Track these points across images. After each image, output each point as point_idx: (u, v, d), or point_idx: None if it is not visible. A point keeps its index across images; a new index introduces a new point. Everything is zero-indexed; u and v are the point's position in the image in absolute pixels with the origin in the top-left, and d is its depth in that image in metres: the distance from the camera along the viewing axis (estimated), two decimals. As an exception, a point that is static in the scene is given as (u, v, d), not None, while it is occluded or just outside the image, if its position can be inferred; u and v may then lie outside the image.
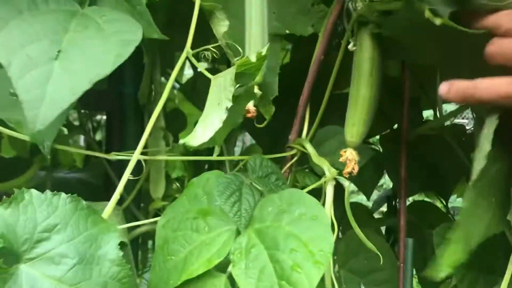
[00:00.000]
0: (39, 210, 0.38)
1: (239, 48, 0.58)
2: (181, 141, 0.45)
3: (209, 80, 0.56)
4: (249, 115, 0.57)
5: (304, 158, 0.67)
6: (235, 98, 0.46)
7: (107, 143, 0.78)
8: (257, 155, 0.53)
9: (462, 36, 0.49)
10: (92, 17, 0.52)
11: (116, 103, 0.75)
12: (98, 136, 1.14)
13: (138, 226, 0.65)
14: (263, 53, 0.46)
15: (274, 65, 0.67)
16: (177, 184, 0.70)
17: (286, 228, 0.46)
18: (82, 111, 0.83)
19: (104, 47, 0.49)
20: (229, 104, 0.44)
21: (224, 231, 0.49)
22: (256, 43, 0.56)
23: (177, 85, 1.24)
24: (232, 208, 0.48)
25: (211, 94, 0.48)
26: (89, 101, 0.71)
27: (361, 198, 1.09)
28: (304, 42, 0.73)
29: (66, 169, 0.98)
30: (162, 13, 0.70)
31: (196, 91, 1.06)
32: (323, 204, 0.56)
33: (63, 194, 0.40)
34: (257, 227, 0.48)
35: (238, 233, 0.48)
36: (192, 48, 0.53)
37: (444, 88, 0.50)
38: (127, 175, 0.52)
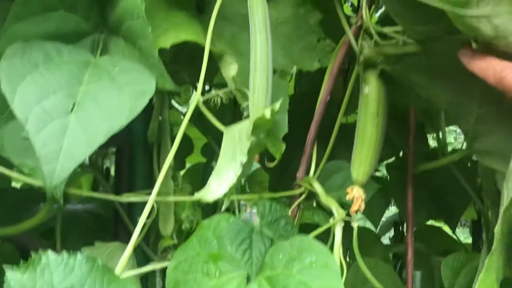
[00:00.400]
0: (56, 273, 0.39)
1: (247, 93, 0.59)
2: (196, 196, 0.46)
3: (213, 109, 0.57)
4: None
5: (312, 193, 0.68)
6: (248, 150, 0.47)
7: (116, 178, 0.79)
8: (266, 200, 0.55)
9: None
10: (105, 67, 0.54)
11: (125, 140, 0.76)
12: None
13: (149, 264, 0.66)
14: (276, 109, 0.47)
15: (283, 103, 0.68)
16: (187, 225, 0.71)
17: (297, 276, 0.47)
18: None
19: (118, 98, 0.51)
20: (245, 159, 0.45)
21: (234, 277, 0.50)
22: (260, 90, 0.57)
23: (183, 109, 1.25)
24: (243, 255, 0.49)
25: (225, 146, 0.49)
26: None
27: (369, 223, 1.10)
28: (308, 74, 0.74)
29: (75, 200, 1.00)
30: (168, 50, 0.72)
31: (201, 117, 1.07)
32: (332, 244, 0.57)
33: (79, 255, 0.41)
34: (268, 274, 0.49)
35: (248, 279, 0.50)
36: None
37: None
38: (143, 220, 0.52)
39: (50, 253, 0.40)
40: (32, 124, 0.48)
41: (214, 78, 0.75)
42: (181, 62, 0.75)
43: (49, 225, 0.87)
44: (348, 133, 0.67)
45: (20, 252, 0.79)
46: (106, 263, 0.49)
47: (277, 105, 0.48)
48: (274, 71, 0.68)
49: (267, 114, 0.47)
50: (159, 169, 0.76)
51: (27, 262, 0.39)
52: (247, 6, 0.65)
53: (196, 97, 0.55)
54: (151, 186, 0.78)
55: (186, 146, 1.23)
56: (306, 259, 0.48)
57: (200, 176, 1.26)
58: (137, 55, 0.55)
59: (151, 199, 0.53)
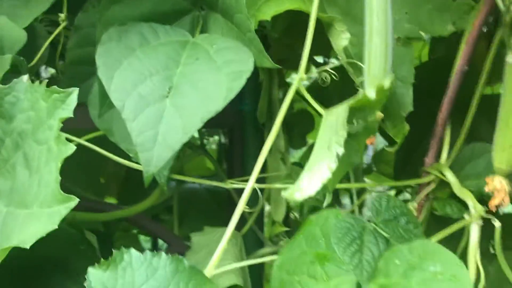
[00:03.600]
0: (138, 272, 0.37)
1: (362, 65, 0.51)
2: (283, 194, 0.40)
3: (338, 79, 0.50)
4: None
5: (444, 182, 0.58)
6: (352, 136, 0.40)
7: (228, 160, 0.77)
8: (383, 194, 0.47)
9: None
10: (203, 46, 0.50)
11: (236, 121, 0.73)
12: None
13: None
14: (385, 86, 0.39)
15: (407, 74, 0.58)
16: (295, 214, 0.66)
17: (417, 288, 0.39)
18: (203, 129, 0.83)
19: (215, 80, 0.47)
20: (341, 151, 0.38)
21: (343, 282, 0.44)
22: (376, 58, 0.48)
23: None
24: (352, 259, 0.42)
25: (322, 133, 0.42)
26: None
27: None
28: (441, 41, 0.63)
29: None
30: (280, 21, 0.66)
31: (324, 90, 1.00)
32: (465, 247, 0.48)
33: (163, 255, 0.38)
34: (381, 283, 0.41)
35: (358, 286, 0.43)
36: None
37: None
38: (242, 206, 0.49)
39: (132, 251, 0.38)
40: (128, 111, 0.46)
41: (331, 51, 0.68)
42: (295, 34, 0.69)
43: (169, 203, 0.88)
44: (492, 108, 0.55)
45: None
46: (214, 249, 0.46)
47: (387, 82, 0.39)
48: (397, 39, 0.58)
49: (370, 93, 0.39)
50: (271, 150, 0.72)
51: (109, 260, 0.38)
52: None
53: (298, 76, 0.48)
54: (262, 171, 0.75)
55: (306, 122, 1.17)
56: (429, 268, 0.39)
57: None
58: (235, 31, 0.50)
59: (251, 182, 0.48)
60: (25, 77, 0.45)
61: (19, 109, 0.45)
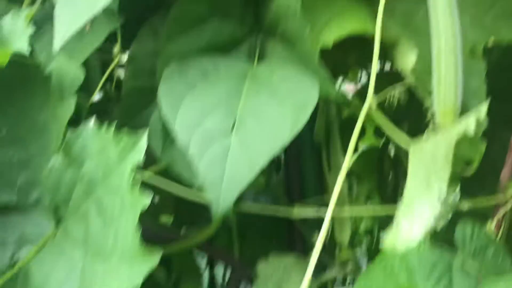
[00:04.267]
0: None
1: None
2: (385, 244, 0.38)
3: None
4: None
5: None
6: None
7: (286, 181, 0.75)
8: (466, 221, 0.44)
9: None
10: (263, 76, 0.49)
11: (292, 141, 0.71)
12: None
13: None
14: (481, 119, 0.36)
15: (478, 87, 0.55)
16: (363, 238, 0.64)
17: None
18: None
19: (279, 112, 0.46)
20: (445, 189, 0.35)
21: (431, 318, 0.41)
22: (447, 85, 0.46)
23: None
24: (441, 296, 0.40)
25: (413, 167, 0.40)
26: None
27: None
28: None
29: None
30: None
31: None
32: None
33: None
34: (475, 322, 0.39)
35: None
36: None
37: None
38: (320, 243, 0.46)
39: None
40: (194, 149, 0.46)
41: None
42: (347, 44, 0.66)
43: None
44: None
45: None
46: (281, 280, 0.45)
47: (482, 113, 0.36)
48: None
49: (470, 128, 0.36)
50: (330, 169, 0.70)
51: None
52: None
53: (367, 102, 0.46)
54: (321, 190, 0.73)
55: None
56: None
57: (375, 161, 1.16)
58: (296, 59, 0.48)
59: (327, 218, 0.46)
60: (92, 121, 0.45)
61: (88, 154, 0.45)
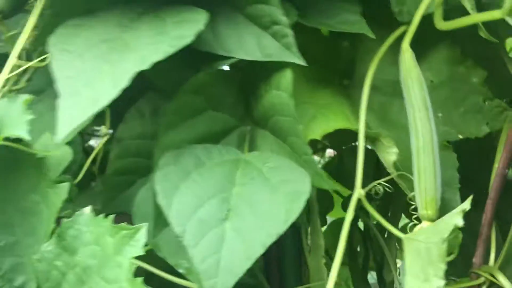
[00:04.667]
0: None
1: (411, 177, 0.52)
2: None
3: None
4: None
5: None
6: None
7: (265, 265, 0.75)
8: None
9: None
10: (255, 165, 0.51)
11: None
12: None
13: None
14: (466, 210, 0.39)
15: (451, 179, 0.59)
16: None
17: None
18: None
19: (272, 201, 0.47)
20: (442, 284, 0.37)
21: None
22: (426, 177, 0.50)
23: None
24: None
25: (409, 259, 0.42)
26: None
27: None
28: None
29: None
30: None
31: (342, 168, 1.01)
32: None
33: None
34: None
35: None
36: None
37: None
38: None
39: None
40: (189, 236, 0.46)
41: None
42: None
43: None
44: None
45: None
46: None
47: (467, 205, 0.40)
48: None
49: (459, 220, 0.39)
50: (310, 250, 0.71)
51: None
52: (396, 72, 0.58)
53: (355, 191, 0.49)
54: (301, 269, 0.74)
55: (327, 201, 1.17)
56: None
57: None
58: (287, 150, 0.51)
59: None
60: (88, 209, 0.45)
61: (82, 242, 0.44)
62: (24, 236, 0.49)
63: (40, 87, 0.64)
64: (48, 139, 0.60)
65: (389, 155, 0.53)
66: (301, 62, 0.49)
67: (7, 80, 0.65)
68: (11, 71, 0.50)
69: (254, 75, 0.53)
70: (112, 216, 0.43)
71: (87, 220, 0.45)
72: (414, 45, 0.55)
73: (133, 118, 0.65)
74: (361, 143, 0.51)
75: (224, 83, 0.52)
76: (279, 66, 0.50)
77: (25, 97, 0.50)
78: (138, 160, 0.65)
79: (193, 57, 0.52)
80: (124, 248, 0.41)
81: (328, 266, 0.82)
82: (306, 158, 0.48)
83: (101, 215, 0.44)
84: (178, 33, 0.44)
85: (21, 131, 0.46)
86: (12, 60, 0.51)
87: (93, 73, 0.45)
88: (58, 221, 0.48)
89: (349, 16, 0.58)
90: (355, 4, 0.59)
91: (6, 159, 0.51)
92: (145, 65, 0.43)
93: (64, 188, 0.49)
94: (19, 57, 0.56)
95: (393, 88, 0.62)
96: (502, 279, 0.54)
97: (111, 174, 0.65)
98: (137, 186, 0.64)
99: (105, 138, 0.65)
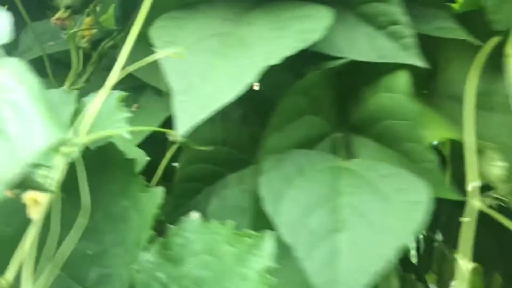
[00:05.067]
0: None
1: None
2: None
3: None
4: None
5: None
6: None
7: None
8: None
9: None
10: (360, 173, 0.48)
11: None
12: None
13: None
14: None
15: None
16: None
17: None
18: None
19: (386, 211, 0.44)
20: None
21: None
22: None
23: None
24: None
25: None
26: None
27: None
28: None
29: None
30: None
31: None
32: None
33: None
34: None
35: None
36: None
37: None
38: None
39: None
40: (302, 248, 0.43)
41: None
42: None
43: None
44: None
45: None
46: None
47: None
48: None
49: None
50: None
51: None
52: (482, 85, 0.56)
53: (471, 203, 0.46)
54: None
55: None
56: None
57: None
58: (395, 158, 0.48)
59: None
60: (196, 215, 0.42)
61: (191, 252, 0.40)
62: (113, 245, 0.45)
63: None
64: (117, 140, 0.57)
65: (493, 168, 0.51)
66: (422, 63, 0.46)
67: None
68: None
69: (356, 77, 0.50)
70: (232, 223, 0.39)
71: (195, 227, 0.41)
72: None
73: (203, 123, 0.61)
74: (467, 154, 0.48)
75: (326, 86, 0.50)
76: (389, 67, 0.48)
77: (119, 93, 0.46)
78: (206, 167, 0.61)
79: (293, 59, 0.49)
80: (249, 258, 0.37)
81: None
82: (428, 165, 0.45)
83: (216, 222, 0.40)
84: (302, 27, 0.41)
85: (120, 129, 0.43)
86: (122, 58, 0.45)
87: (206, 68, 0.41)
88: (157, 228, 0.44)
89: (443, 22, 0.56)
90: (448, 11, 0.57)
91: (93, 160, 0.47)
92: (274, 60, 0.40)
93: (158, 193, 0.45)
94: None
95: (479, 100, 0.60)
96: None
97: (179, 180, 0.61)
98: (204, 194, 0.61)
99: (177, 145, 0.61)
